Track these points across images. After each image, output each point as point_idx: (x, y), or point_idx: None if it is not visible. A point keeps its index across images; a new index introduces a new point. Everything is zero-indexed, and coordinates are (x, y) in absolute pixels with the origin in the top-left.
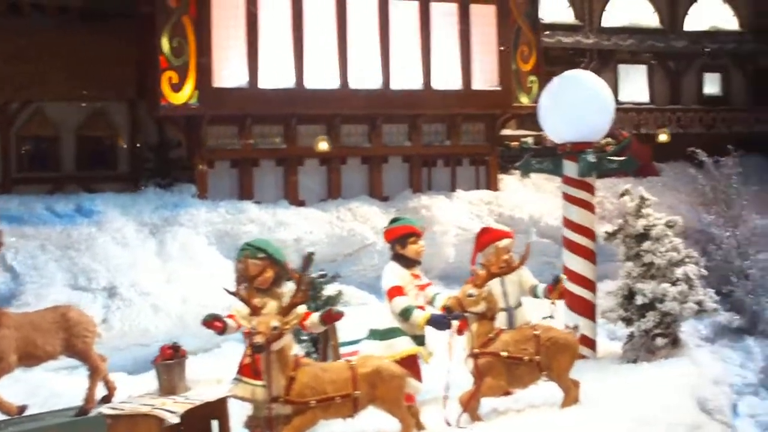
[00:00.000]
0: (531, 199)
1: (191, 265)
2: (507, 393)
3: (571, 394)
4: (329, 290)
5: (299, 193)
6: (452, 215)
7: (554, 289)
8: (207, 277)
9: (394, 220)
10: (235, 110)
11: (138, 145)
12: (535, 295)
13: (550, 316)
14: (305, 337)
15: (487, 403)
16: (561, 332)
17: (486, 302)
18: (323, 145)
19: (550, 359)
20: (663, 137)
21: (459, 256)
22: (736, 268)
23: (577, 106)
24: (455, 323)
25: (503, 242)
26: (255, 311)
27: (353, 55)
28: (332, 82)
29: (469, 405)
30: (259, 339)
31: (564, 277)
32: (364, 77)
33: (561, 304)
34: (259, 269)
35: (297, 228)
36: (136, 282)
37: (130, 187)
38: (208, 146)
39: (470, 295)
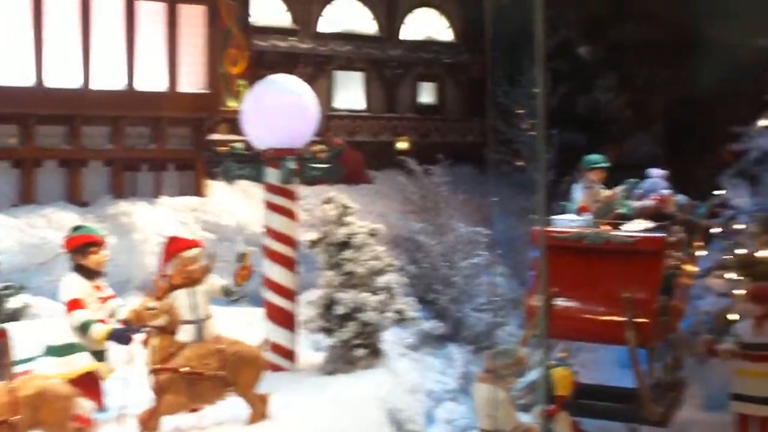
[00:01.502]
0: (239, 205)
1: None
2: (195, 409)
3: (257, 410)
4: (15, 302)
5: None
6: (155, 222)
7: (242, 267)
8: None
9: (75, 229)
10: None
11: None
12: (229, 292)
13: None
14: None
15: (170, 421)
16: (247, 346)
17: (167, 315)
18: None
19: (235, 374)
20: (403, 145)
21: None
22: (442, 276)
23: (278, 111)
24: (139, 337)
25: (189, 252)
26: None
27: (49, 51)
28: (27, 80)
29: (149, 424)
30: None
31: (248, 249)
32: (62, 75)
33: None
34: None
35: None
36: None
37: None
38: None
39: (150, 308)
